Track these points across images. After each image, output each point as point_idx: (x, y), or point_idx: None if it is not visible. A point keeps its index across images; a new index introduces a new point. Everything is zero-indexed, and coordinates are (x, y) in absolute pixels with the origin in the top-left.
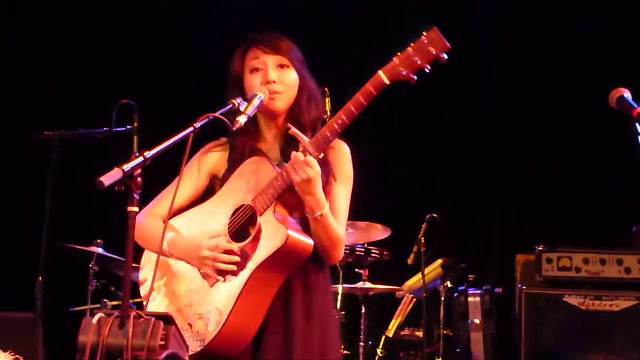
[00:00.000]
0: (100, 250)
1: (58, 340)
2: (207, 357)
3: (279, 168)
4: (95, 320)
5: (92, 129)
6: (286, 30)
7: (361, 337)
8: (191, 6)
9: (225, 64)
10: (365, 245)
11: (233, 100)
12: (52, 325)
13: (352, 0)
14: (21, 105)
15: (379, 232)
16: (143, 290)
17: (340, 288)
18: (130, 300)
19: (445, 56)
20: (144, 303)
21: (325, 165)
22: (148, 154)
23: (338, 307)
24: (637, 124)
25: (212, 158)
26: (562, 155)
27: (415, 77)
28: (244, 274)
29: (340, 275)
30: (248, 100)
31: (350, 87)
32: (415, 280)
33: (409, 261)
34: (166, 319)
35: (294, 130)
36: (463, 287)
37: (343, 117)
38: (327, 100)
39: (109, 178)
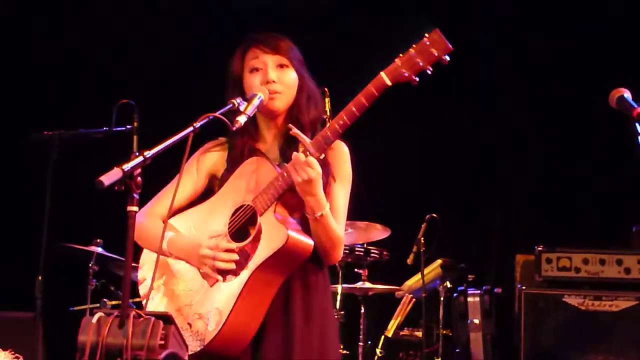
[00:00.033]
0: (100, 249)
1: (58, 339)
2: (206, 357)
3: (279, 168)
4: (95, 319)
5: (92, 129)
6: (286, 30)
7: (360, 337)
8: (191, 6)
9: (225, 64)
10: (365, 245)
11: (233, 100)
12: (52, 324)
13: (352, 0)
14: (21, 105)
15: (379, 232)
16: (142, 289)
17: (339, 288)
18: (130, 300)
19: (448, 58)
20: (143, 302)
21: (325, 166)
22: (148, 153)
23: (337, 307)
24: (637, 124)
25: (211, 158)
26: (562, 155)
27: (417, 79)
28: (244, 274)
29: (340, 275)
30: (248, 100)
31: (350, 87)
32: (414, 281)
33: (409, 261)
34: (166, 319)
35: (295, 131)
36: (462, 287)
37: (344, 118)
38: (327, 100)
39: (109, 178)
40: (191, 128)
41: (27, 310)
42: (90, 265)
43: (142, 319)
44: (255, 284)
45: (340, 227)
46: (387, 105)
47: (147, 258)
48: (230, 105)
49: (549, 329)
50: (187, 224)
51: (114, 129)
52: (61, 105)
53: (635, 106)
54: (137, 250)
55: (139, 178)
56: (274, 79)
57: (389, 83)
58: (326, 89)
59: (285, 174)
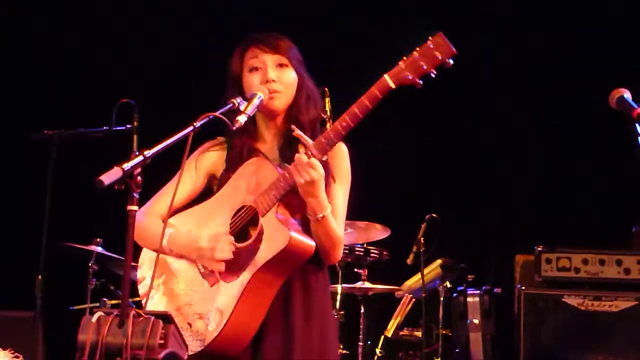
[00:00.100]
0: (99, 249)
1: (58, 339)
2: (206, 357)
3: (280, 169)
4: (94, 319)
5: (91, 129)
6: (286, 30)
7: (360, 337)
8: (191, 6)
9: (225, 64)
10: (365, 245)
11: (233, 100)
12: (52, 324)
13: (352, 0)
14: (21, 105)
15: (379, 232)
16: (141, 288)
17: (339, 288)
18: (130, 299)
19: (451, 61)
20: (143, 301)
21: (325, 166)
22: (148, 153)
23: (337, 307)
24: (637, 125)
25: (210, 158)
26: (562, 155)
27: (421, 82)
28: (246, 275)
29: (340, 275)
30: (248, 100)
31: (351, 88)
32: (414, 281)
33: (409, 261)
34: (165, 318)
35: (298, 132)
36: (462, 287)
37: (348, 120)
38: (328, 100)
39: (109, 177)
40: (191, 127)
41: (27, 310)
42: (90, 264)
43: (141, 318)
44: (257, 284)
45: (340, 227)
46: (387, 106)
47: (147, 257)
48: (231, 105)
49: (549, 329)
50: (187, 224)
51: (114, 129)
52: (61, 105)
53: (635, 107)
54: (137, 250)
55: (139, 177)
56: (273, 79)
57: (392, 86)
58: (326, 89)
59: (288, 175)
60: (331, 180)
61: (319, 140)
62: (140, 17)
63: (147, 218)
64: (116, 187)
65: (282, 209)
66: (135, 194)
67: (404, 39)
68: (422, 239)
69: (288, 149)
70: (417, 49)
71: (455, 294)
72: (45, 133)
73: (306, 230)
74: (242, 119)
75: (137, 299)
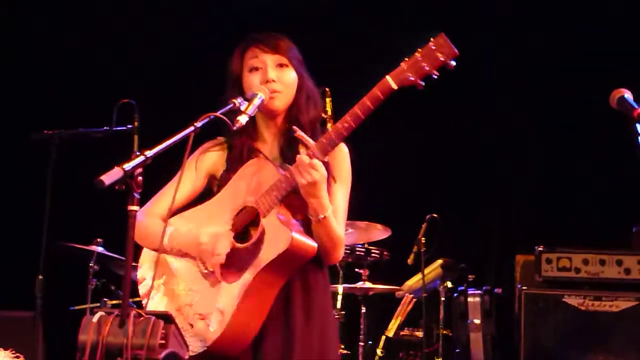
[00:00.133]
0: (100, 249)
1: (58, 339)
2: (207, 357)
3: (281, 170)
4: (95, 319)
5: (92, 129)
6: (286, 30)
7: (361, 337)
8: (191, 6)
9: (225, 64)
10: (365, 245)
11: (234, 100)
12: (52, 324)
13: (352, 0)
14: (21, 105)
15: (379, 232)
16: (142, 288)
17: (340, 288)
18: (130, 299)
19: (453, 63)
20: (143, 302)
21: (326, 167)
22: (149, 153)
23: (338, 307)
24: (637, 125)
25: (211, 158)
26: (562, 155)
27: (423, 83)
28: (247, 276)
29: (340, 275)
30: (249, 100)
31: (351, 88)
32: (415, 281)
33: (409, 261)
34: (166, 318)
35: (300, 133)
36: (463, 288)
37: (350, 121)
38: (328, 100)
39: (110, 177)
40: (192, 128)
41: (28, 310)
42: (90, 264)
43: (142, 318)
44: (259, 285)
45: (341, 228)
46: (387, 106)
47: (147, 257)
48: (231, 105)
49: (549, 329)
50: (188, 225)
51: (115, 129)
52: (61, 105)
53: (636, 107)
54: (137, 250)
55: (139, 177)
56: (273, 78)
57: (394, 87)
58: (327, 90)
59: (289, 176)
60: (332, 180)
61: (320, 141)
62: (140, 17)
63: (148, 218)
64: (117, 187)
65: (283, 209)
66: (136, 194)
67: (405, 39)
68: (422, 239)
69: (289, 149)
70: (419, 49)
71: (455, 294)
72: (45, 133)
73: (307, 231)
74: (243, 119)
75: (138, 299)
